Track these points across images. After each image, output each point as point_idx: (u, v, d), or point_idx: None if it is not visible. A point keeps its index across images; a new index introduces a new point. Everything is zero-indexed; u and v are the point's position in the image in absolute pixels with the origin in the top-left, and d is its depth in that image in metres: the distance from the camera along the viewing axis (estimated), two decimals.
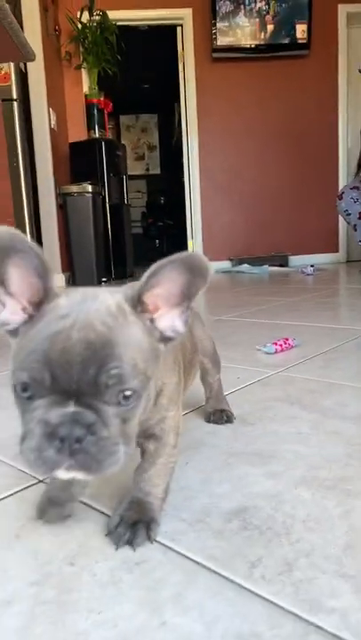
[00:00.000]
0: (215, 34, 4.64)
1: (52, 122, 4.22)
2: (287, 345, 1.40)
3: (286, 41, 4.71)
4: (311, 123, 4.97)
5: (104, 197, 4.47)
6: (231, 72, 4.84)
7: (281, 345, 1.39)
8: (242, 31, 4.68)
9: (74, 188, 4.15)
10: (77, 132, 4.73)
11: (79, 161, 4.55)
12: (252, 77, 4.86)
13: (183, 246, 5.09)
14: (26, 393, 0.42)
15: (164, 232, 7.70)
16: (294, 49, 4.77)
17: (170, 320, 0.48)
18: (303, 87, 4.91)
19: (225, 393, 0.95)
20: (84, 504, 0.64)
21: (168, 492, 0.60)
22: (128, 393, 0.42)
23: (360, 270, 3.78)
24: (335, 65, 4.88)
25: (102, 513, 0.62)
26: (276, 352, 1.37)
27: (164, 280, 0.46)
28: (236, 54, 4.74)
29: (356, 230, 3.61)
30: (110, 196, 4.59)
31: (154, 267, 0.45)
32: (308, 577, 0.48)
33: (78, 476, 0.42)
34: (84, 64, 4.51)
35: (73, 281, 4.26)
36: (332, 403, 0.97)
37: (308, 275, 3.92)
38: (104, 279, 4.33)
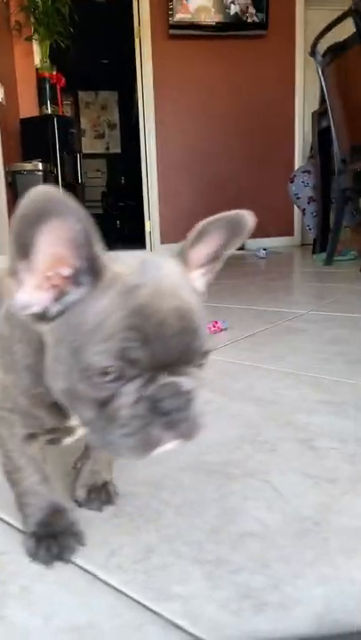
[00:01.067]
0: (172, 9, 4.53)
1: (0, 96, 4.04)
2: (216, 327, 1.40)
3: (244, 20, 4.65)
4: (269, 104, 4.95)
5: (57, 176, 4.35)
6: (189, 50, 4.75)
7: (209, 327, 1.38)
8: (200, 8, 4.58)
9: (24, 166, 4.02)
10: (29, 107, 4.55)
11: (30, 138, 4.40)
12: (209, 56, 4.78)
13: (142, 227, 5.04)
14: (108, 377, 0.37)
15: (125, 212, 7.58)
16: (252, 28, 4.71)
17: (196, 280, 0.47)
18: (261, 68, 4.87)
19: None
20: None
21: None
22: (208, 351, 0.41)
23: (312, 251, 3.82)
24: (292, 46, 4.85)
25: None
26: None
27: (206, 239, 0.44)
28: (194, 31, 4.64)
29: (304, 214, 3.64)
30: (63, 175, 4.47)
31: (201, 225, 0.43)
32: (164, 563, 0.48)
33: (172, 445, 0.40)
34: (35, 35, 4.33)
35: None
36: (242, 386, 0.97)
37: (260, 258, 3.94)
38: None
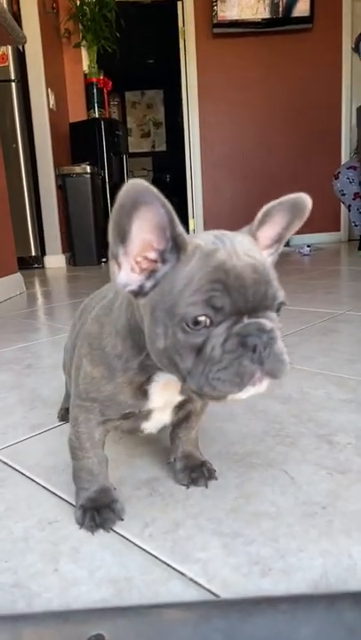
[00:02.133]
0: (216, 9, 4.57)
1: (51, 102, 4.24)
2: None
3: (289, 15, 4.62)
4: (314, 99, 4.90)
5: (104, 177, 4.51)
6: (233, 48, 4.78)
7: None
8: (243, 6, 4.60)
9: (72, 169, 4.19)
10: (77, 111, 4.74)
11: (79, 141, 4.58)
12: (253, 53, 4.79)
13: (186, 224, 5.13)
14: (199, 325, 0.44)
15: None
16: (297, 23, 4.68)
17: None
18: (306, 62, 4.83)
19: None
20: (21, 473, 0.73)
21: None
22: (281, 302, 0.48)
23: (358, 248, 3.79)
24: (339, 39, 4.78)
25: (34, 481, 0.71)
26: None
27: (270, 222, 0.51)
28: (238, 29, 4.67)
29: (350, 211, 3.61)
30: (110, 176, 4.63)
31: (266, 208, 0.50)
32: (188, 534, 0.57)
33: (264, 386, 0.46)
34: (83, 42, 4.50)
35: (73, 262, 4.34)
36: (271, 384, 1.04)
37: (304, 255, 3.95)
38: (104, 259, 4.40)
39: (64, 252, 4.43)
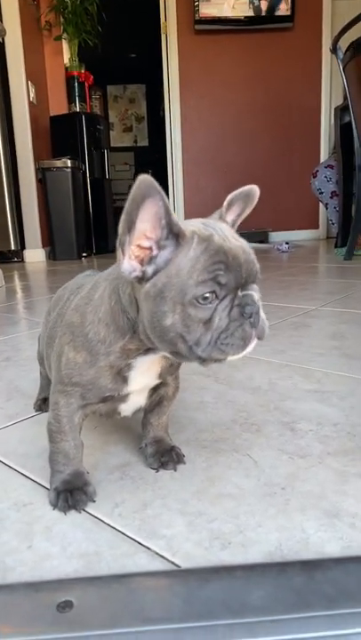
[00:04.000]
0: (197, 5, 4.59)
1: (32, 95, 4.21)
2: None
3: (272, 14, 4.66)
4: (294, 97, 4.97)
5: (85, 172, 4.50)
6: (214, 44, 4.81)
7: None
8: (225, 3, 4.62)
9: (53, 163, 4.18)
10: (58, 105, 4.72)
11: (60, 135, 4.57)
12: (235, 50, 4.83)
13: None
14: (207, 300, 0.50)
15: None
16: (278, 22, 4.73)
17: None
18: (287, 61, 4.89)
19: None
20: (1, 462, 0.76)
21: None
22: (259, 276, 0.55)
23: (335, 245, 3.87)
24: (319, 39, 4.85)
25: (9, 467, 0.73)
26: None
27: (230, 209, 0.58)
28: (219, 26, 4.70)
29: (327, 209, 3.68)
30: (92, 171, 4.62)
31: (230, 196, 0.57)
32: (156, 514, 0.61)
33: (253, 346, 0.54)
34: (65, 35, 4.47)
35: (53, 256, 4.33)
36: (243, 376, 1.08)
37: (282, 252, 4.01)
38: (84, 254, 4.40)
39: (44, 246, 4.42)
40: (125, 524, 0.59)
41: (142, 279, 0.51)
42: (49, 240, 4.37)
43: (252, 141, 5.03)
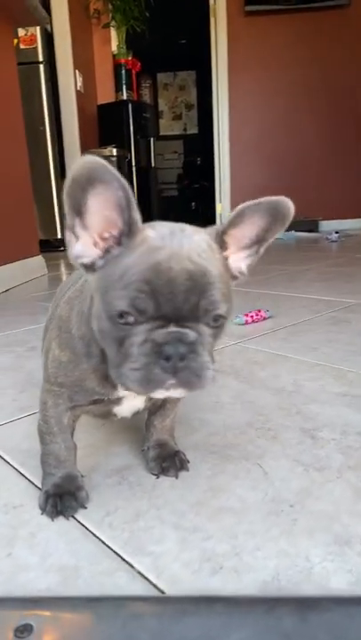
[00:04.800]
0: None
1: (79, 84, 4.22)
2: (258, 316, 1.43)
3: None
4: (348, 80, 4.71)
5: (130, 161, 4.49)
6: (265, 26, 4.63)
7: (252, 316, 1.42)
8: None
9: (99, 152, 4.18)
10: (106, 93, 4.71)
11: (107, 123, 4.57)
12: (286, 32, 4.63)
13: (214, 209, 5.06)
14: (123, 319, 0.44)
15: (200, 194, 7.61)
16: None
17: (236, 262, 0.52)
18: (342, 42, 4.63)
19: None
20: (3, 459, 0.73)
21: None
22: (219, 317, 0.46)
23: None
24: None
25: (8, 464, 0.71)
26: (246, 323, 1.41)
27: (246, 222, 0.49)
28: (271, 6, 4.51)
29: None
30: (137, 159, 4.60)
31: (240, 208, 0.48)
32: (147, 526, 0.56)
33: (176, 393, 0.45)
34: (113, 22, 4.44)
35: None
36: (266, 374, 1.01)
37: (332, 241, 3.84)
38: None
39: None
40: (113, 536, 0.54)
41: (90, 268, 0.47)
42: None
43: (303, 127, 4.82)
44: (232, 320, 1.43)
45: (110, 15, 4.43)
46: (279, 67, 4.70)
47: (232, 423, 0.80)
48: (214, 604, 0.42)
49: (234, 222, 0.49)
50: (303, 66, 4.69)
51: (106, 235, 0.46)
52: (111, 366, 0.47)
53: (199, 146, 7.94)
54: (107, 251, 0.46)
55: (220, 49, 4.72)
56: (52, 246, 4.33)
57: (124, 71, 4.54)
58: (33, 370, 1.12)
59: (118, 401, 0.59)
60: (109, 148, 4.22)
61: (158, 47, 6.39)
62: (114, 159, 4.18)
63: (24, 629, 0.39)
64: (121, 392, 0.56)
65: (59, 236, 4.33)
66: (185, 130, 8.50)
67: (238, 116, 4.84)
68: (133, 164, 4.55)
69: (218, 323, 0.46)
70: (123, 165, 4.32)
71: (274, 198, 0.48)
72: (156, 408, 0.67)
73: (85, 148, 4.29)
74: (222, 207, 5.04)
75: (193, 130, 8.43)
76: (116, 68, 4.59)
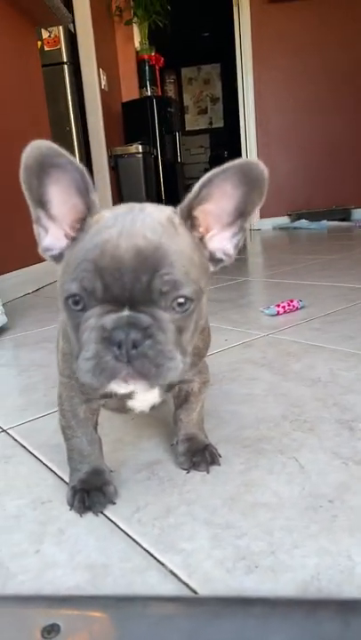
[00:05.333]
0: None
1: (103, 82, 4.23)
2: (291, 307, 1.39)
3: None
4: None
5: (156, 157, 4.47)
6: (289, 12, 4.52)
7: (284, 307, 1.38)
8: None
9: (125, 149, 4.19)
10: (130, 90, 4.70)
11: (131, 120, 4.56)
12: (311, 16, 4.50)
13: None
14: (77, 306, 0.41)
15: None
16: None
17: (220, 242, 0.47)
18: None
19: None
20: (27, 450, 0.73)
21: None
22: (182, 300, 0.41)
23: None
24: None
25: (38, 459, 0.70)
26: (278, 314, 1.37)
27: (216, 193, 0.44)
28: None
29: None
30: (163, 155, 4.58)
31: (205, 177, 0.43)
32: (178, 522, 0.54)
33: (137, 387, 0.42)
34: (135, 19, 4.43)
35: None
36: (301, 365, 0.97)
37: None
38: None
39: None
40: (143, 533, 0.52)
41: (58, 259, 0.45)
42: None
43: (330, 114, 4.69)
44: (264, 310, 1.39)
45: (132, 11, 4.42)
46: (304, 54, 4.58)
47: (265, 416, 0.77)
48: (250, 605, 0.39)
49: (201, 195, 0.44)
50: (329, 52, 4.56)
51: (76, 223, 0.44)
52: (75, 358, 0.43)
53: (225, 139, 7.86)
54: (73, 239, 0.44)
55: (244, 39, 4.63)
56: None
57: (147, 67, 4.52)
58: None
59: (130, 395, 0.56)
60: (135, 145, 4.21)
61: (181, 42, 6.34)
62: (140, 156, 4.17)
63: (51, 629, 0.38)
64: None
65: None
66: (210, 124, 8.43)
67: (264, 106, 4.75)
68: (160, 159, 4.53)
69: (184, 307, 0.41)
70: (148, 162, 4.30)
71: (241, 161, 0.43)
72: (180, 402, 0.64)
73: (111, 146, 4.30)
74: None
75: (219, 123, 8.35)
76: (140, 64, 4.57)
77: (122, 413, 0.64)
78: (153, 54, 4.51)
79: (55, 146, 0.39)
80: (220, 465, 0.63)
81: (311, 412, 0.77)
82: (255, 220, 4.82)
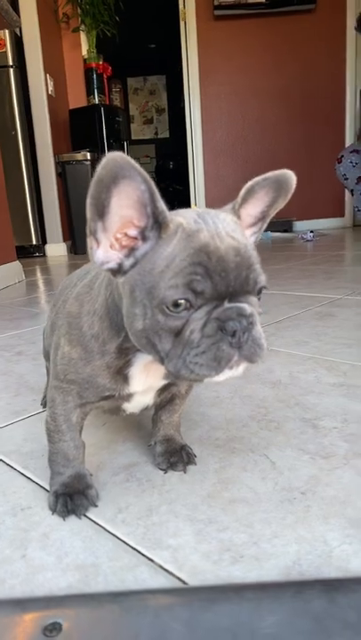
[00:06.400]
0: None
1: (50, 88, 4.19)
2: None
3: None
4: (317, 82, 4.81)
5: None
6: (235, 30, 4.69)
7: None
8: None
9: (72, 156, 4.15)
10: (77, 97, 4.68)
11: (79, 128, 4.53)
12: (256, 36, 4.69)
13: None
14: (178, 308, 0.43)
15: (174, 198, 7.62)
16: (300, 3, 4.57)
17: None
18: (309, 45, 4.73)
19: None
20: None
21: None
22: (263, 287, 0.47)
23: None
24: (343, 20, 4.66)
25: (11, 467, 0.69)
26: None
27: (254, 199, 0.50)
28: (239, 11, 4.57)
29: (353, 195, 3.55)
30: None
31: (249, 184, 0.49)
32: (161, 520, 0.55)
33: (239, 371, 0.45)
34: (82, 26, 4.42)
35: (74, 250, 4.32)
36: (261, 369, 1.02)
37: (307, 241, 3.90)
38: None
39: (65, 240, 4.41)
40: (128, 532, 0.54)
41: (118, 272, 0.45)
42: (70, 234, 4.36)
43: (274, 128, 4.89)
44: None
45: (80, 19, 4.41)
46: (249, 69, 4.76)
47: (233, 417, 0.80)
48: (242, 591, 0.42)
49: (245, 199, 0.49)
50: (273, 68, 4.77)
51: (125, 234, 0.44)
52: (169, 360, 0.45)
53: (171, 150, 7.97)
54: (131, 250, 0.45)
55: (190, 53, 4.75)
56: (28, 252, 4.27)
57: (95, 75, 4.52)
58: (24, 374, 1.10)
59: (128, 397, 0.58)
60: (83, 153, 4.19)
61: (128, 52, 6.40)
62: (88, 163, 4.15)
63: (53, 628, 0.39)
64: (132, 388, 0.56)
65: (33, 242, 4.28)
66: (156, 134, 8.52)
67: (211, 119, 4.88)
68: None
69: (260, 294, 0.47)
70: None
71: (278, 172, 0.49)
72: (164, 403, 0.66)
73: (58, 153, 4.25)
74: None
75: (165, 134, 8.45)
76: (87, 72, 4.56)
77: (113, 415, 0.65)
78: (101, 63, 4.52)
79: (129, 159, 0.40)
80: (195, 464, 0.66)
81: (276, 412, 0.81)
82: None
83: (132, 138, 8.02)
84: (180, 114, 7.22)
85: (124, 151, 4.78)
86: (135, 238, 0.44)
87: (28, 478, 0.66)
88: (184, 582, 0.46)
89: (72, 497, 0.58)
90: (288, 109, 4.86)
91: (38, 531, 0.55)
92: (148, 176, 0.41)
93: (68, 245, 4.42)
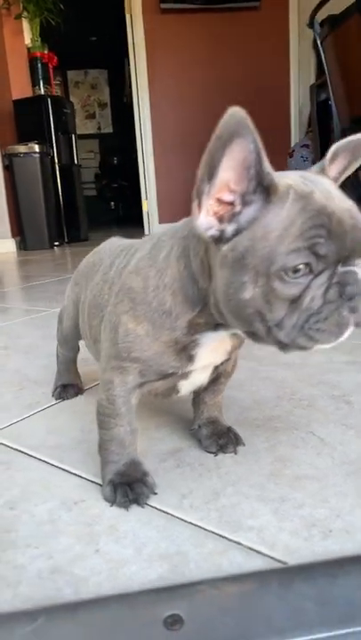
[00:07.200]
0: None
1: None
2: None
3: None
4: (263, 76, 4.90)
5: (53, 157, 4.32)
6: (181, 24, 4.68)
7: None
8: None
9: (20, 148, 3.99)
10: (21, 88, 4.48)
11: (24, 119, 4.35)
12: (203, 30, 4.71)
13: (139, 208, 5.02)
14: (297, 274, 0.41)
15: (119, 194, 7.51)
16: (244, 1, 4.64)
17: None
18: (255, 40, 4.80)
19: None
20: (27, 455, 0.66)
21: None
22: None
23: None
24: (286, 18, 4.79)
25: (43, 461, 0.64)
26: None
27: (335, 162, 0.48)
28: (185, 5, 4.57)
29: None
30: (60, 157, 4.44)
31: (334, 147, 0.48)
32: (232, 503, 0.53)
33: (346, 335, 0.44)
34: (25, 13, 4.25)
35: (24, 246, 4.15)
36: (266, 352, 1.01)
37: None
38: (56, 243, 4.24)
39: (14, 236, 4.22)
40: (201, 517, 0.51)
41: (220, 240, 0.42)
42: (19, 230, 4.18)
43: None
44: None
45: (22, 6, 4.23)
46: (197, 63, 4.78)
47: (261, 398, 0.79)
48: (358, 562, 0.40)
49: (331, 162, 0.48)
50: (219, 62, 4.80)
51: (218, 200, 0.41)
52: (280, 329, 0.43)
53: (116, 144, 7.86)
54: (232, 215, 0.42)
55: (137, 47, 4.69)
56: None
57: (40, 65, 4.35)
58: (20, 368, 1.03)
59: (187, 375, 0.55)
60: (30, 145, 4.03)
61: (68, 43, 6.22)
62: (36, 156, 4.00)
63: (173, 621, 0.35)
64: (196, 365, 0.53)
65: None
66: (99, 129, 8.36)
67: (159, 112, 4.85)
68: (56, 161, 4.38)
69: None
70: (46, 163, 4.14)
71: (356, 136, 0.48)
72: (208, 384, 0.64)
73: (3, 145, 4.06)
74: (148, 204, 5.02)
75: (108, 129, 8.32)
76: (32, 61, 4.39)
77: (165, 397, 0.61)
78: (46, 52, 4.36)
79: (246, 115, 0.38)
80: (244, 445, 0.64)
81: (302, 390, 0.81)
82: (154, 224, 4.89)
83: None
84: (123, 109, 7.13)
85: (72, 144, 4.66)
86: (230, 204, 0.41)
87: (68, 472, 0.61)
88: (282, 562, 0.44)
89: (131, 486, 0.54)
90: (235, 103, 4.90)
91: (103, 524, 0.51)
92: (258, 135, 0.39)
93: (18, 241, 4.23)
